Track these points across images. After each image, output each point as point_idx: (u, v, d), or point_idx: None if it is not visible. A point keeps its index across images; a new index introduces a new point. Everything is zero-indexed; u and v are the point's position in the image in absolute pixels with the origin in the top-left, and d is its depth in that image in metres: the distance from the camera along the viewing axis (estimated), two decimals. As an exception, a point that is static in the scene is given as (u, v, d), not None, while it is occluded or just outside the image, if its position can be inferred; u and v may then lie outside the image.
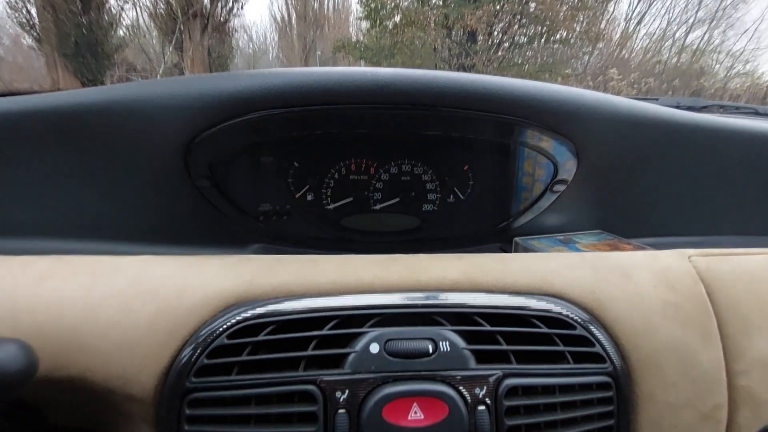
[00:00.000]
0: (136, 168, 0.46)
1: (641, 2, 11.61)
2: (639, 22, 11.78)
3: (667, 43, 11.39)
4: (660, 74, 10.14)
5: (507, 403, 0.31)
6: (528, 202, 0.56)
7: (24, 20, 8.49)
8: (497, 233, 0.58)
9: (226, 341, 0.31)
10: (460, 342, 0.33)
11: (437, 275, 0.37)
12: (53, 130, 0.44)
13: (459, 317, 0.35)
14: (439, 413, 0.30)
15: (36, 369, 0.26)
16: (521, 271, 0.38)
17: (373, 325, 0.33)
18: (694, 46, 10.85)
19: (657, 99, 0.94)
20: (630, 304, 0.36)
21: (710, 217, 0.61)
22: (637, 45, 12.00)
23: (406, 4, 10.90)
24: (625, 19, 11.89)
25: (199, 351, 0.31)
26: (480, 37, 10.52)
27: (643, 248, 0.50)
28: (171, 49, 10.26)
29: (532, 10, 10.30)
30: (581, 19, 10.51)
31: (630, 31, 11.83)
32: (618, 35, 11.81)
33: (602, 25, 11.11)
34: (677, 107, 0.84)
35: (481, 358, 0.33)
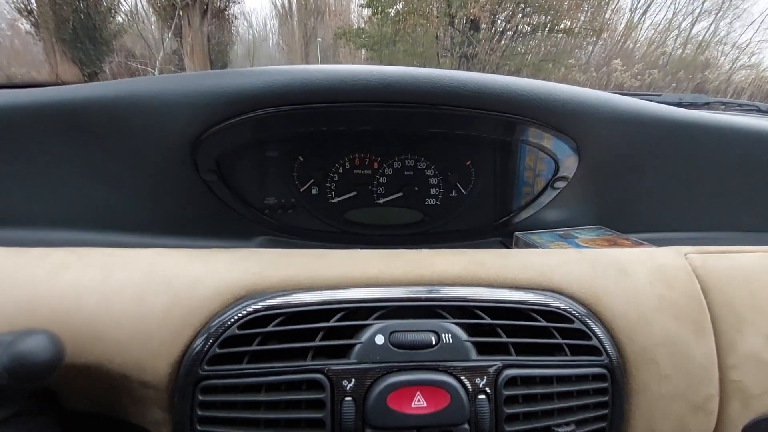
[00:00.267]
0: (145, 162, 0.47)
1: (647, -8, 11.43)
2: (644, 12, 11.62)
3: (672, 34, 11.24)
4: (664, 66, 10.04)
5: (506, 392, 0.33)
6: (529, 198, 0.57)
7: (21, 5, 8.35)
8: (498, 228, 0.59)
9: (237, 331, 0.33)
10: (462, 334, 0.34)
11: (440, 270, 0.38)
12: (63, 124, 0.44)
13: (461, 310, 0.36)
14: (441, 401, 0.32)
15: (63, 358, 0.28)
16: (521, 267, 0.39)
17: (378, 318, 0.35)
18: (700, 38, 10.72)
19: (659, 95, 0.94)
20: (627, 299, 0.38)
21: (709, 213, 0.62)
22: (642, 36, 11.86)
23: (408, -9, 10.73)
24: (631, 9, 11.73)
25: (211, 341, 0.32)
26: (483, 26, 10.38)
27: (641, 244, 0.51)
28: (170, 35, 10.12)
29: (536, -2, 10.15)
30: (586, 8, 10.36)
31: (635, 21, 11.68)
32: (623, 25, 11.66)
33: (607, 15, 10.96)
34: (680, 104, 0.84)
35: (482, 349, 0.34)
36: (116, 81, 0.45)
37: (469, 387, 0.33)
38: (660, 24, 11.62)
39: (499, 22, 10.63)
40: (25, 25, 8.72)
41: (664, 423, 0.36)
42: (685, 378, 0.37)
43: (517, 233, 0.57)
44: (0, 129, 0.45)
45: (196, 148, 0.45)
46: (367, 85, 0.42)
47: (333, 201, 0.56)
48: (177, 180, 0.48)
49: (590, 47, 11.48)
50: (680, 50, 10.84)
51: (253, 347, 0.33)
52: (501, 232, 0.60)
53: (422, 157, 0.55)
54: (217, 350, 0.32)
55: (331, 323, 0.34)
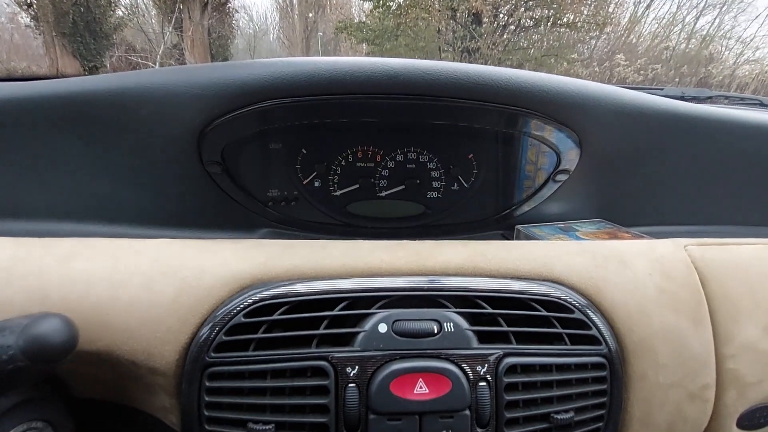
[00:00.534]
0: (150, 154, 0.47)
1: (652, -15, 11.31)
2: (648, 6, 11.50)
3: (676, 29, 11.14)
4: (668, 60, 9.96)
5: (506, 379, 0.34)
6: (530, 191, 0.57)
7: (21, -2, 8.31)
8: (500, 221, 0.60)
9: (243, 319, 0.33)
10: (464, 323, 0.35)
11: (442, 260, 0.39)
12: (69, 116, 0.45)
13: (463, 300, 0.37)
14: (443, 388, 0.33)
15: (76, 342, 0.28)
16: (522, 258, 0.39)
17: (381, 307, 0.35)
18: (704, 32, 10.62)
19: (662, 89, 0.94)
20: (626, 290, 0.38)
21: (709, 207, 0.62)
22: (646, 30, 11.75)
23: (410, -16, 10.63)
24: (634, 2, 11.61)
25: (217, 328, 0.33)
26: (485, 20, 10.28)
27: (641, 237, 0.52)
28: (170, 29, 10.06)
29: (539, -8, 10.05)
30: (589, 2, 10.26)
31: (639, 15, 11.58)
32: (626, 19, 11.55)
33: (610, 9, 10.85)
34: (682, 98, 0.84)
35: (483, 338, 0.35)
36: (121, 73, 0.45)
37: (470, 374, 0.33)
38: (664, 18, 11.52)
39: (501, 15, 10.53)
40: (24, 18, 8.68)
41: (662, 411, 0.37)
42: (682, 367, 0.37)
43: (518, 226, 0.58)
44: (4, 121, 0.45)
45: (201, 140, 0.46)
46: (372, 76, 0.42)
47: (335, 194, 0.56)
48: (182, 172, 0.49)
49: (593, 41, 11.38)
50: (684, 45, 10.74)
51: (259, 335, 0.33)
52: (502, 225, 0.60)
53: (425, 150, 0.56)
54: (224, 338, 0.33)
55: (335, 312, 0.34)
